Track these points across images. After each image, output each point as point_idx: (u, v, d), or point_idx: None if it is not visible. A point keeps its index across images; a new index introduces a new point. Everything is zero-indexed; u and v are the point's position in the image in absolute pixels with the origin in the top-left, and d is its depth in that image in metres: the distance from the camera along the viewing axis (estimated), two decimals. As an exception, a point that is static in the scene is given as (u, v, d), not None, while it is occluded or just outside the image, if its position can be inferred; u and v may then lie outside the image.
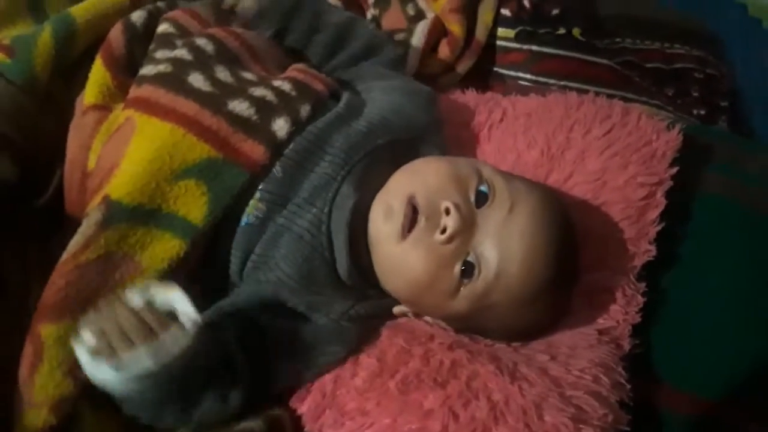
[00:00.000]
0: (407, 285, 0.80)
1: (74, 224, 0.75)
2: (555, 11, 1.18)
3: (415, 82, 0.99)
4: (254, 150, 0.78)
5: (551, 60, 1.17)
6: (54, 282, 0.72)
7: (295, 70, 0.88)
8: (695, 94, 1.20)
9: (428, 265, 0.77)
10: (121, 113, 0.81)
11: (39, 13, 0.92)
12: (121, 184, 0.75)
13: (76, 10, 0.87)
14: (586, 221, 0.88)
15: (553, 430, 0.71)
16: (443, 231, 0.77)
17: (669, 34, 1.23)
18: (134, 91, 0.81)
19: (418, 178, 0.81)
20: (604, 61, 1.17)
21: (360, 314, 0.81)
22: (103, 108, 0.84)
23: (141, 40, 0.88)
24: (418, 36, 1.12)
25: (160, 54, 0.84)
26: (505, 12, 1.18)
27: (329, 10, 0.99)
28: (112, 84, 0.85)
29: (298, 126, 0.81)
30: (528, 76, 1.17)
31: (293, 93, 0.83)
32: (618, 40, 1.21)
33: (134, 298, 0.69)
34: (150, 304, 0.69)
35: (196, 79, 0.80)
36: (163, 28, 0.88)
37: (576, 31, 1.17)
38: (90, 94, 0.84)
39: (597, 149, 0.92)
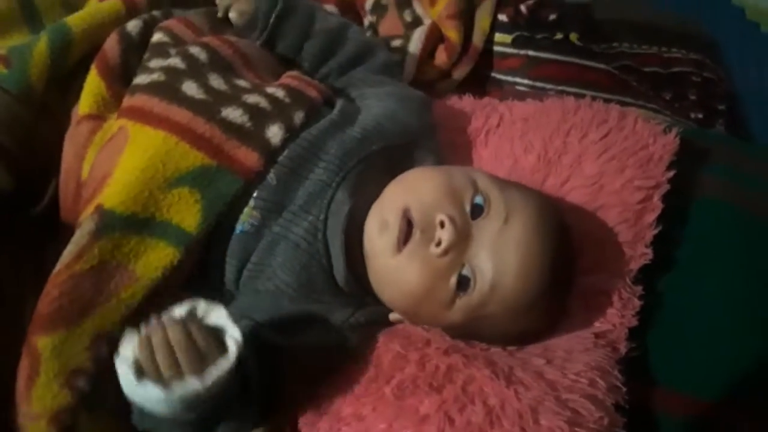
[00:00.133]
0: (403, 297, 0.80)
1: (69, 233, 0.75)
2: (552, 16, 1.19)
3: (408, 87, 0.99)
4: (248, 157, 0.78)
5: (548, 65, 1.17)
6: (48, 292, 0.72)
7: (289, 77, 0.88)
8: (693, 98, 1.20)
9: (424, 277, 0.77)
10: (114, 123, 0.81)
11: (35, 23, 0.93)
12: (114, 193, 0.75)
13: (72, 20, 0.87)
14: (583, 225, 0.88)
15: (549, 434, 0.71)
16: (438, 244, 0.76)
17: (666, 38, 1.23)
18: (128, 101, 0.82)
19: (412, 191, 0.80)
20: (602, 66, 1.17)
21: (360, 322, 0.81)
22: (98, 118, 0.84)
23: (136, 50, 0.88)
24: (415, 42, 1.12)
25: (153, 63, 0.85)
26: (502, 17, 1.19)
27: (321, 17, 0.99)
28: (107, 94, 0.85)
29: (292, 133, 0.81)
30: (525, 81, 1.17)
31: (287, 100, 0.83)
32: (615, 44, 1.21)
33: (182, 315, 0.68)
34: (197, 322, 0.68)
35: (190, 87, 0.81)
36: (157, 37, 0.89)
37: (573, 36, 1.18)
38: (85, 103, 0.85)
39: (594, 153, 0.92)
